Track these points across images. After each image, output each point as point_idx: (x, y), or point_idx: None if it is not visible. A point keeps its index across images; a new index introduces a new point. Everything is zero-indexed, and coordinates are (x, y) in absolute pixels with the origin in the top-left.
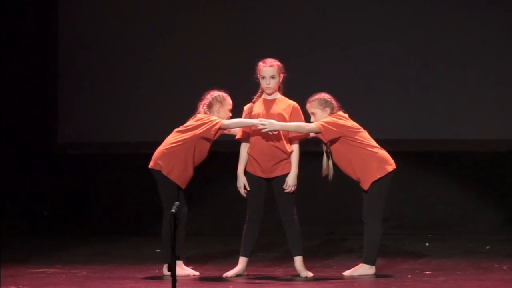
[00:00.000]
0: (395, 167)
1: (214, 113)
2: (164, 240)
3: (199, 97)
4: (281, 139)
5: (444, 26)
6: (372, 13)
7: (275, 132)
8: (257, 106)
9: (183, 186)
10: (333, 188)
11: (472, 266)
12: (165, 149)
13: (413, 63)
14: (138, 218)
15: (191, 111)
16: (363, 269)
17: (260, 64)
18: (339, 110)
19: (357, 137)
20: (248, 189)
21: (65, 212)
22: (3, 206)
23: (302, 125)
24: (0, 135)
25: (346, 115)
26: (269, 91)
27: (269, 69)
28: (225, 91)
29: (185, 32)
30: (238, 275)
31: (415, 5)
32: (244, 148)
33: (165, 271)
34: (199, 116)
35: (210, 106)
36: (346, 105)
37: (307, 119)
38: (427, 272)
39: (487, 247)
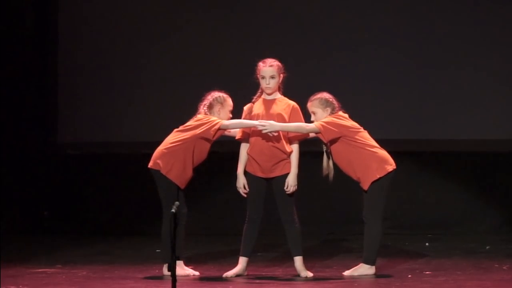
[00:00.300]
0: (395, 167)
1: (214, 114)
2: (164, 240)
3: (199, 97)
4: (281, 139)
5: (444, 26)
6: (372, 13)
7: (275, 134)
8: (257, 106)
9: (182, 186)
10: (333, 188)
11: (472, 266)
12: (165, 149)
13: (413, 63)
14: (138, 218)
15: (191, 111)
16: (363, 269)
17: (260, 64)
18: (340, 110)
19: (357, 137)
20: (248, 189)
21: (65, 212)
22: (3, 206)
23: (302, 125)
24: (0, 135)
25: (346, 115)
26: (269, 91)
27: (269, 69)
28: (226, 92)
29: (185, 32)
30: (238, 275)
31: (415, 5)
32: (243, 148)
33: (165, 271)
34: (199, 116)
35: (210, 107)
36: (346, 105)
37: (307, 118)
38: (427, 272)
39: (487, 247)
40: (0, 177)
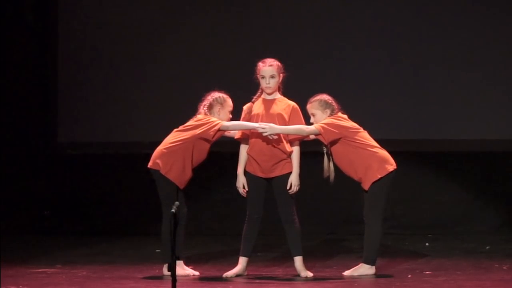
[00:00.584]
0: (395, 167)
1: (214, 114)
2: (164, 240)
3: (199, 97)
4: (281, 139)
5: (444, 26)
6: (372, 13)
7: (275, 137)
8: (257, 106)
9: (181, 187)
10: (333, 188)
11: (472, 266)
12: (164, 148)
13: (413, 63)
14: (138, 218)
15: (191, 111)
16: (363, 269)
17: (260, 64)
18: (339, 111)
19: (357, 137)
20: (248, 189)
21: (65, 212)
22: (3, 206)
23: (302, 127)
24: (0, 135)
25: (345, 116)
26: (268, 91)
27: (268, 69)
28: (226, 92)
29: (185, 32)
30: (238, 275)
31: (415, 6)
32: (243, 148)
33: (165, 271)
34: (199, 116)
35: (210, 107)
36: (347, 105)
37: (307, 119)
38: (427, 272)
39: (487, 247)
40: (0, 177)
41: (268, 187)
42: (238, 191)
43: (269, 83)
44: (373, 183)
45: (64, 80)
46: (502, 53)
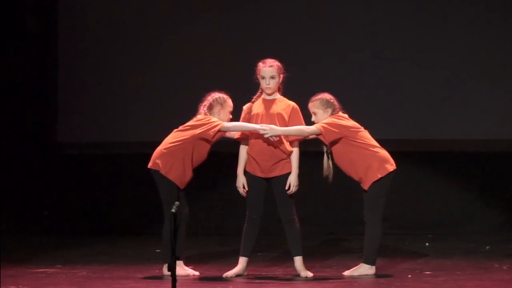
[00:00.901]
0: (395, 167)
1: (214, 114)
2: (165, 240)
3: (199, 97)
4: (281, 139)
5: (444, 26)
6: (372, 13)
7: (276, 138)
8: (257, 106)
9: (181, 187)
10: (333, 188)
11: (472, 266)
12: (164, 149)
13: (413, 63)
14: (138, 218)
15: (191, 111)
16: (363, 269)
17: (260, 64)
18: (340, 110)
19: (357, 137)
20: (248, 189)
21: (65, 212)
22: (3, 206)
23: (303, 128)
24: (0, 135)
25: (346, 115)
26: (268, 91)
27: (269, 69)
28: (226, 93)
29: (185, 32)
30: (238, 275)
31: (415, 6)
32: (243, 148)
33: (165, 271)
34: (199, 117)
35: (210, 107)
36: (347, 105)
37: (308, 119)
38: (427, 272)
39: (487, 247)
40: (0, 177)
41: (268, 187)
42: (238, 191)
43: (269, 84)
44: (373, 183)
45: (64, 80)
46: (502, 53)
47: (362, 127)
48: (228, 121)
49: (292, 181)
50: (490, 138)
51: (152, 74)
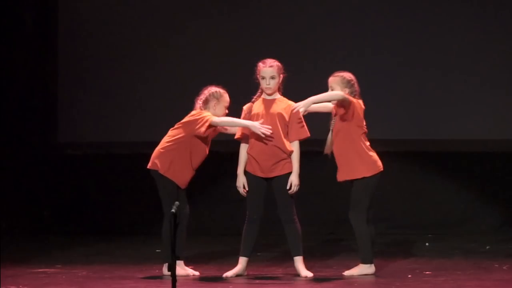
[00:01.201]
0: (382, 169)
1: (210, 109)
2: (165, 240)
3: None
4: (281, 138)
5: (443, 26)
6: (372, 13)
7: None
8: (257, 106)
9: (182, 186)
10: (333, 188)
11: (472, 266)
12: (161, 148)
13: (413, 63)
14: (138, 218)
15: (191, 111)
16: (362, 269)
17: (260, 64)
18: (358, 95)
19: (361, 131)
20: (248, 189)
21: (65, 212)
22: (3, 206)
23: (336, 92)
24: (0, 135)
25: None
26: (269, 92)
27: (269, 70)
28: (223, 87)
29: (185, 32)
30: (238, 275)
31: (416, 6)
32: (243, 148)
33: (165, 271)
34: (192, 112)
35: (206, 102)
36: None
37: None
38: (427, 272)
39: (487, 247)
40: (0, 177)
41: (268, 187)
42: (238, 191)
43: (269, 84)
44: (358, 181)
45: (64, 80)
46: (502, 53)
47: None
48: (224, 116)
49: (293, 181)
50: (490, 138)
51: (152, 74)
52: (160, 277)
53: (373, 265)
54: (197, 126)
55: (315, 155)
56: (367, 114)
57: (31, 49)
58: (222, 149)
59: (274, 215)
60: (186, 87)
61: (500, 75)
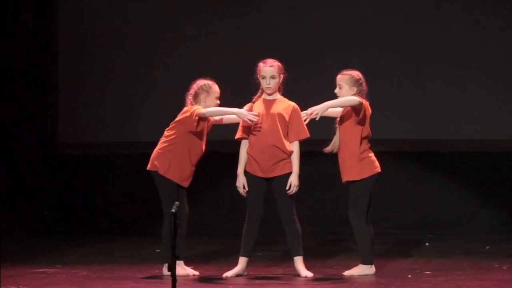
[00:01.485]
0: (380, 170)
1: (200, 102)
2: (165, 240)
3: None
4: (281, 139)
5: (443, 26)
6: (371, 13)
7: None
8: (257, 105)
9: (185, 185)
10: (333, 188)
11: (472, 266)
12: (159, 149)
13: (413, 63)
14: (138, 218)
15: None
16: (362, 269)
17: (261, 64)
18: (365, 95)
19: (366, 133)
20: (248, 189)
21: (65, 212)
22: (3, 206)
23: (352, 97)
24: (0, 135)
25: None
26: (269, 91)
27: (269, 69)
28: (211, 79)
29: (185, 32)
30: (238, 275)
31: (416, 5)
32: (243, 148)
33: (165, 271)
34: (184, 109)
35: (196, 95)
36: None
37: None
38: (427, 272)
39: (487, 247)
40: (0, 177)
41: (268, 187)
42: (238, 191)
43: (269, 84)
44: (357, 182)
45: (64, 80)
46: (502, 53)
47: None
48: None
49: (293, 181)
50: (490, 138)
51: (152, 74)
52: (160, 277)
53: (373, 266)
54: (188, 122)
55: (315, 155)
56: None
57: (31, 49)
58: (222, 149)
59: (274, 215)
60: (186, 87)
61: (500, 75)
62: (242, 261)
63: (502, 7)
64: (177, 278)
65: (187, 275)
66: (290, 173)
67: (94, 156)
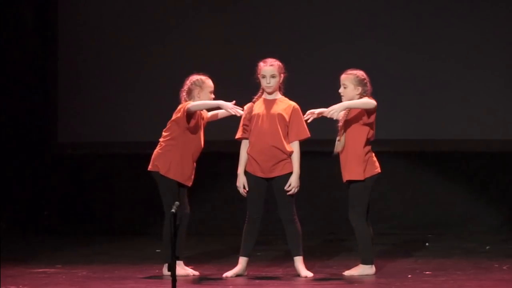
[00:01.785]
0: (379, 171)
1: (194, 98)
2: (165, 240)
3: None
4: (281, 139)
5: (444, 26)
6: (372, 13)
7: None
8: (258, 105)
9: (188, 184)
10: (334, 188)
11: (472, 266)
12: (159, 149)
13: (413, 63)
14: (138, 218)
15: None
16: (362, 269)
17: (261, 63)
18: (370, 95)
19: (371, 134)
20: (248, 189)
21: (65, 212)
22: (3, 206)
23: (368, 100)
24: (0, 135)
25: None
26: (269, 90)
27: (269, 68)
28: (205, 74)
29: (185, 32)
30: (238, 275)
31: (416, 5)
32: (244, 148)
33: (165, 271)
34: (179, 106)
35: (189, 92)
36: None
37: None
38: (427, 272)
39: (487, 247)
40: (0, 177)
41: (268, 187)
42: (238, 191)
43: (269, 83)
44: (359, 180)
45: (64, 80)
46: (502, 53)
47: None
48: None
49: (293, 182)
50: (490, 138)
51: (152, 74)
52: (160, 277)
53: (373, 266)
54: (181, 120)
55: (315, 155)
56: None
57: (31, 49)
58: (222, 149)
59: (274, 215)
60: None
61: (500, 75)
62: (242, 261)
63: (507, 7)
64: (177, 278)
65: (187, 275)
66: (290, 173)
67: (94, 156)
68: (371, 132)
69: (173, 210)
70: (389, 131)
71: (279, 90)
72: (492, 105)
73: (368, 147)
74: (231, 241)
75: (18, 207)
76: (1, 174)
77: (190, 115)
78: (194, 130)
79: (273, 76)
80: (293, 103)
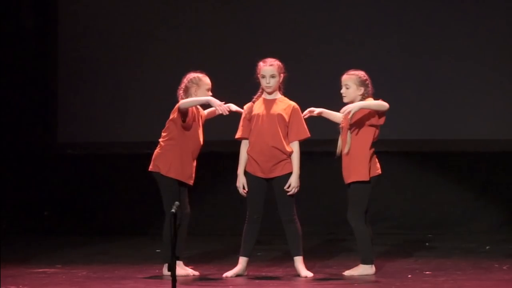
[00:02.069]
0: (380, 172)
1: (192, 96)
2: (165, 240)
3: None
4: (281, 140)
5: (444, 26)
6: (373, 12)
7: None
8: (257, 105)
9: (190, 183)
10: (334, 188)
11: (472, 266)
12: (159, 149)
13: (413, 63)
14: (138, 218)
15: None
16: (362, 269)
17: (260, 63)
18: (371, 95)
19: (376, 135)
20: (248, 189)
21: (65, 212)
22: (3, 206)
23: (382, 102)
24: (0, 135)
25: None
26: (269, 90)
27: (269, 68)
28: (202, 71)
29: (185, 32)
30: (238, 275)
31: (416, 6)
32: (243, 148)
33: (165, 271)
34: (176, 106)
35: (186, 90)
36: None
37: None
38: (427, 272)
39: (487, 247)
40: (0, 177)
41: (269, 187)
42: (238, 191)
43: (269, 83)
44: (360, 181)
45: (64, 80)
46: (502, 53)
47: None
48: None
49: (293, 182)
50: (490, 138)
51: (152, 74)
52: (160, 277)
53: (373, 265)
54: (176, 118)
55: (315, 155)
56: None
57: (31, 49)
58: (222, 149)
59: (274, 215)
60: None
61: (500, 75)
62: (242, 261)
63: (503, 7)
64: (177, 278)
65: (187, 275)
66: (290, 173)
67: (94, 156)
68: (377, 133)
69: (173, 210)
70: (389, 131)
71: (279, 90)
72: (492, 105)
73: (373, 149)
74: (231, 241)
75: (18, 207)
76: (1, 174)
77: (183, 113)
78: (192, 128)
79: (272, 76)
80: (293, 103)
